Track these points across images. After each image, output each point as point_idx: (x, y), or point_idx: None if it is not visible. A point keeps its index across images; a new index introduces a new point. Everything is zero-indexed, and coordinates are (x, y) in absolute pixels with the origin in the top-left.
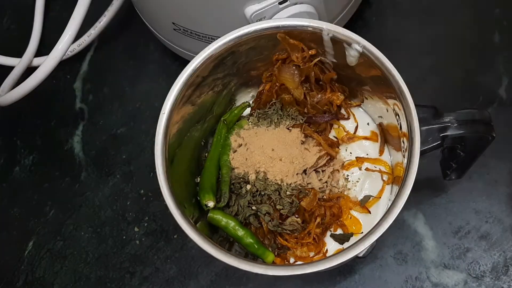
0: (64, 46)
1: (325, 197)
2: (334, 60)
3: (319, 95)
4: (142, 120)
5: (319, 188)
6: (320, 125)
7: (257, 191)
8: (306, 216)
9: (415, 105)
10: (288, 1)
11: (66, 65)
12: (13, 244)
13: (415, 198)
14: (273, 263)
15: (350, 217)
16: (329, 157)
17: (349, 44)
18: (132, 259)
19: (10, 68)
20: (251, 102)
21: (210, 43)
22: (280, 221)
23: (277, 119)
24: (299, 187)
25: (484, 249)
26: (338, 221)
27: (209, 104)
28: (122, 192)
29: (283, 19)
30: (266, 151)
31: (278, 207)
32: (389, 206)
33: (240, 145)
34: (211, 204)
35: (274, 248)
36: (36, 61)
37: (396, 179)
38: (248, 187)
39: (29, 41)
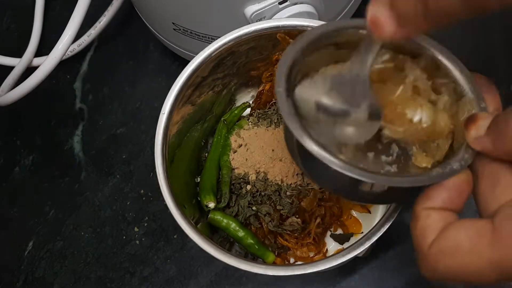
0: (64, 46)
1: (325, 197)
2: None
3: None
4: (142, 120)
5: (319, 188)
6: None
7: (257, 191)
8: (306, 216)
9: None
10: (288, 1)
11: (66, 65)
12: (13, 244)
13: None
14: (273, 263)
15: (350, 217)
16: None
17: None
18: (132, 259)
19: (10, 68)
20: (251, 102)
21: (210, 43)
22: (280, 221)
23: (277, 119)
24: (299, 187)
25: None
26: (338, 221)
27: (209, 104)
28: (122, 192)
29: (283, 19)
30: (266, 152)
31: (278, 207)
32: (389, 206)
33: (240, 146)
34: (211, 204)
35: (275, 248)
36: (36, 61)
37: None
38: (248, 187)
39: (29, 41)
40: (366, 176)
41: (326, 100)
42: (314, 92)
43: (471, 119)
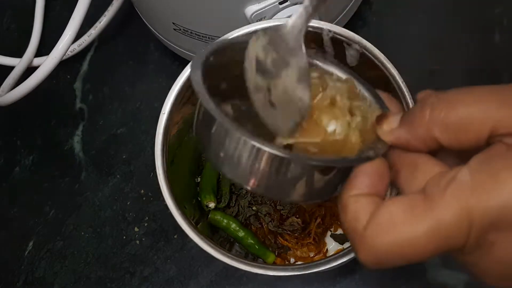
0: (64, 46)
1: None
2: (334, 60)
3: None
4: (142, 120)
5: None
6: None
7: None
8: (306, 216)
9: None
10: (289, 1)
11: (66, 65)
12: (13, 244)
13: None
14: (273, 263)
15: None
16: None
17: (349, 44)
18: (132, 259)
19: (10, 68)
20: None
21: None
22: (281, 221)
23: None
24: None
25: None
26: (338, 221)
27: None
28: (122, 192)
29: (283, 19)
30: None
31: (278, 207)
32: None
33: None
34: (212, 205)
35: (275, 248)
36: (36, 61)
37: None
38: None
39: (29, 41)
40: (286, 153)
41: (263, 55)
42: (256, 46)
43: (382, 116)
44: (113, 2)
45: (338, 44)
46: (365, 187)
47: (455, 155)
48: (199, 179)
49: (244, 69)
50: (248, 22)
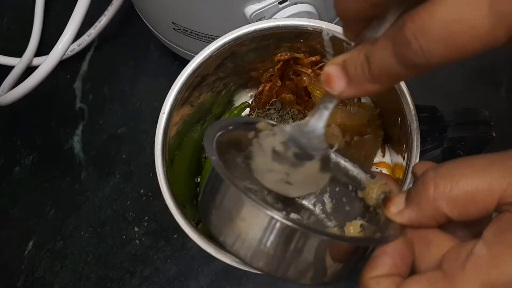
0: (64, 45)
1: None
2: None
3: None
4: (142, 120)
5: None
6: None
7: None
8: None
9: (415, 105)
10: (288, 0)
11: (66, 65)
12: (13, 244)
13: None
14: None
15: None
16: None
17: (349, 44)
18: (132, 259)
19: (10, 68)
20: (250, 102)
21: (210, 43)
22: None
23: (277, 118)
24: None
25: None
26: None
27: (208, 104)
28: (122, 192)
29: (283, 19)
30: None
31: None
32: None
33: None
34: None
35: None
36: (36, 61)
37: (396, 181)
38: None
39: (29, 41)
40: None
41: (282, 149)
42: (273, 140)
43: (386, 199)
44: (113, 2)
45: (338, 44)
46: (386, 268)
47: (463, 226)
48: (199, 179)
49: (251, 153)
50: (247, 21)
